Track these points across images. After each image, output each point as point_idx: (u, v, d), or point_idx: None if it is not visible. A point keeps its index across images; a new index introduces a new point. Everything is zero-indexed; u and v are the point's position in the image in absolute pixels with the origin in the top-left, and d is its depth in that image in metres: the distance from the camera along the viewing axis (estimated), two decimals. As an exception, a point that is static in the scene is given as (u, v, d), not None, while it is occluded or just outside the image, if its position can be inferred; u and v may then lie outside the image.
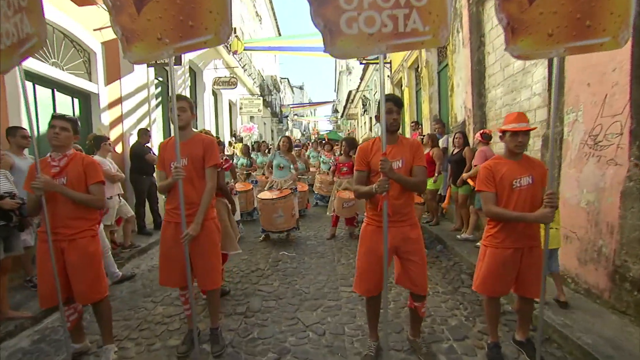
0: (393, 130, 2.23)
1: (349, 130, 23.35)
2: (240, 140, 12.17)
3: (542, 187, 2.16)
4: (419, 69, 7.82)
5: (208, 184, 2.32)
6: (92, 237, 2.25)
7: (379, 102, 2.06)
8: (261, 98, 14.14)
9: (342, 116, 28.21)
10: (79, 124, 2.34)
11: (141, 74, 6.22)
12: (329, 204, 5.59)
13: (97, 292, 2.25)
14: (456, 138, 4.97)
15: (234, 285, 3.72)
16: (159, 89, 7.53)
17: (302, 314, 3.07)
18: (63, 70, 4.46)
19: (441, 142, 6.07)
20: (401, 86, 10.25)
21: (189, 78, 9.13)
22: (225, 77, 10.49)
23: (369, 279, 2.24)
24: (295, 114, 35.43)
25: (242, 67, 13.38)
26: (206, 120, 10.01)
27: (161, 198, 5.95)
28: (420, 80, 7.83)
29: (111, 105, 5.30)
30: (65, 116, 2.25)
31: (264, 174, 7.22)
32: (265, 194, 5.15)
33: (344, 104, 26.47)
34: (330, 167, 5.59)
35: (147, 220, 5.86)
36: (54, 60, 4.32)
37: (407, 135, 9.13)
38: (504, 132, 2.21)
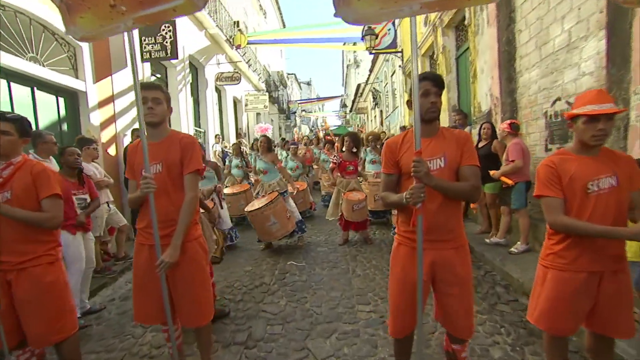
0: (431, 119, 1.68)
1: (358, 125, 22.74)
2: (255, 139, 11.76)
3: (634, 190, 1.61)
4: (435, 56, 7.21)
5: (188, 195, 1.83)
6: (49, 264, 1.80)
7: (411, 85, 1.54)
8: (267, 94, 13.67)
9: (351, 110, 27.58)
10: (27, 123, 1.88)
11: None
12: (330, 207, 5.07)
13: (58, 331, 1.79)
14: (483, 129, 4.39)
15: (235, 304, 3.26)
16: (157, 86, 7.11)
17: (313, 342, 2.59)
18: (43, 66, 4.04)
19: (463, 135, 5.49)
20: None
21: (190, 74, 8.71)
22: (229, 72, 10.03)
23: (404, 316, 1.73)
24: (303, 110, 34.94)
25: (247, 62, 12.92)
26: (209, 118, 9.60)
27: None
28: (437, 68, 7.22)
29: (102, 104, 4.89)
30: (6, 115, 1.79)
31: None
32: (252, 204, 4.66)
33: (352, 98, 25.82)
34: (330, 166, 5.03)
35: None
36: (31, 54, 3.91)
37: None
38: (573, 117, 1.67)
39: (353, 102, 25.08)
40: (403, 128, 9.06)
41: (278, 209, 4.51)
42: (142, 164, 1.75)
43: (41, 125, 4.06)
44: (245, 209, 4.63)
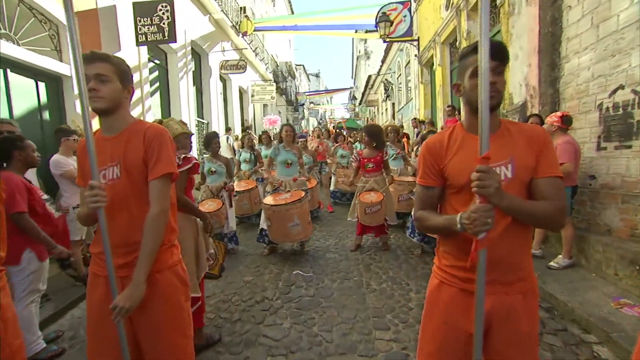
0: (491, 107, 1.14)
1: (368, 119, 22.06)
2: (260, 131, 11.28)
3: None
4: (457, 43, 6.57)
5: (153, 209, 1.32)
6: None
7: (479, 59, 0.99)
8: (274, 84, 13.11)
9: (360, 103, 26.85)
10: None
11: (130, 54, 5.31)
12: (351, 207, 4.55)
13: None
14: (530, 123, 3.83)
15: (231, 325, 2.79)
16: (156, 72, 6.63)
17: (322, 382, 2.12)
18: (19, 45, 3.58)
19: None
20: (432, 66, 8.98)
21: (192, 61, 8.20)
22: (234, 60, 9.51)
23: None
24: (312, 102, 34.28)
25: (254, 51, 12.37)
26: (213, 109, 9.12)
27: None
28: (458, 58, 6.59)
29: (90, 90, 4.41)
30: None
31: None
32: (273, 199, 4.17)
33: (362, 90, 25.09)
34: (349, 161, 4.51)
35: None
36: (4, 31, 3.43)
37: (439, 123, 7.94)
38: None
39: (363, 94, 24.36)
40: (416, 121, 8.43)
41: (303, 210, 4.08)
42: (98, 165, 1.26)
43: (17, 113, 3.61)
44: (264, 202, 4.15)
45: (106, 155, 1.32)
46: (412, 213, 4.37)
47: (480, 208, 1.02)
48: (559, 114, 3.31)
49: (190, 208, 2.33)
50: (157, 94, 6.68)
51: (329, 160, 8.14)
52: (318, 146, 6.22)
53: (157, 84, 6.67)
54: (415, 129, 8.14)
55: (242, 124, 11.81)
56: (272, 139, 6.52)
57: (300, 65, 36.19)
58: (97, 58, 1.32)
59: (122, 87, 1.38)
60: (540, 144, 1.17)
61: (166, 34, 5.12)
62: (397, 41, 10.22)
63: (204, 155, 4.61)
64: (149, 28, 5.12)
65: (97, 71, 1.29)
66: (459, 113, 6.90)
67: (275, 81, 16.14)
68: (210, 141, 4.43)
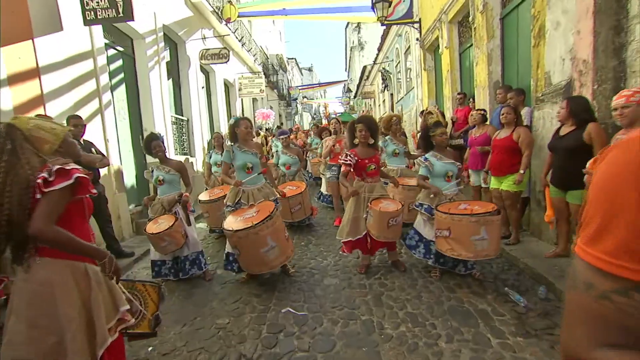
0: None
1: (364, 110, 21.11)
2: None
3: None
4: (471, 19, 5.65)
5: None
6: None
7: None
8: (263, 76, 12.12)
9: (355, 96, 25.87)
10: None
11: (78, 36, 4.33)
12: (343, 224, 3.50)
13: None
14: (577, 106, 2.94)
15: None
16: (119, 61, 5.65)
17: None
18: None
19: (522, 118, 4.02)
20: (437, 49, 8.06)
21: (166, 50, 7.21)
22: (215, 49, 8.51)
23: None
24: (305, 97, 33.23)
25: (239, 40, 11.35)
26: (193, 104, 8.14)
27: (121, 209, 4.20)
28: (473, 34, 5.68)
29: (17, 79, 3.46)
30: None
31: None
32: (235, 221, 3.20)
33: (357, 82, 24.11)
34: (342, 169, 3.44)
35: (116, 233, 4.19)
36: None
37: (448, 113, 7.04)
38: None
39: (358, 86, 23.39)
40: (422, 114, 7.50)
41: (277, 227, 3.14)
42: None
43: None
44: (226, 226, 3.16)
45: None
46: (416, 225, 3.49)
47: None
48: (636, 88, 2.41)
49: (73, 247, 1.46)
50: (122, 87, 5.70)
51: (309, 154, 7.24)
52: (335, 145, 5.00)
53: (122, 75, 5.69)
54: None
55: (229, 121, 10.83)
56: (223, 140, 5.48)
57: (292, 58, 35.04)
58: None
59: None
60: None
61: (120, 10, 4.15)
62: (397, 24, 9.28)
63: (152, 165, 3.67)
64: (98, 2, 4.14)
65: None
66: (473, 100, 6.01)
67: (265, 74, 15.12)
68: (149, 145, 3.49)
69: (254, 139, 3.69)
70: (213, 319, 2.88)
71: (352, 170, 3.43)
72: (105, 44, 5.02)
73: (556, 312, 2.67)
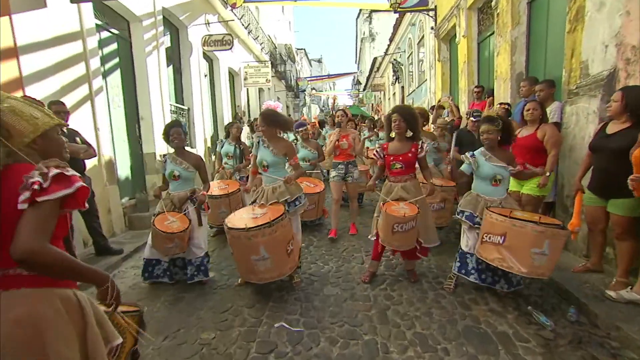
0: None
1: (372, 104, 20.57)
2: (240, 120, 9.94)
3: None
4: (494, 3, 5.17)
5: None
6: None
7: None
8: (270, 65, 11.71)
9: (364, 89, 25.29)
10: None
11: (66, 15, 4.01)
12: (373, 222, 3.23)
13: None
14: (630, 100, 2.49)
15: None
16: (114, 45, 5.32)
17: None
18: None
19: (551, 114, 3.59)
20: (453, 38, 7.56)
21: (166, 34, 6.86)
22: (218, 34, 8.13)
23: None
24: (313, 88, 32.69)
25: (246, 27, 10.94)
26: (195, 93, 7.81)
27: (110, 204, 3.91)
28: (495, 21, 5.20)
29: (-9, 59, 3.15)
30: None
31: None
32: (236, 218, 2.89)
33: (367, 74, 23.52)
34: (373, 153, 3.21)
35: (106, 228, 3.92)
36: None
37: (463, 107, 6.58)
38: None
39: (368, 78, 22.82)
40: (435, 107, 7.04)
41: (277, 237, 2.75)
42: None
43: None
44: (226, 221, 2.86)
45: None
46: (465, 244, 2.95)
47: None
48: None
49: (74, 272, 1.16)
50: (117, 72, 5.38)
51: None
52: (341, 140, 4.51)
53: (116, 60, 5.36)
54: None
55: (233, 111, 10.48)
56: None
57: (302, 49, 34.43)
58: None
59: None
60: None
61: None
62: (411, 11, 8.77)
63: (166, 154, 3.35)
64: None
65: None
66: (490, 95, 5.55)
67: (272, 64, 14.71)
68: (169, 132, 3.20)
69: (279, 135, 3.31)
70: (198, 331, 2.57)
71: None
72: (97, 25, 4.69)
73: (591, 341, 2.30)
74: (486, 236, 2.66)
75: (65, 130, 3.42)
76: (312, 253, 4.00)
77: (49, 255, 1.05)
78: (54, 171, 1.12)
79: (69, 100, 3.79)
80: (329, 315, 2.70)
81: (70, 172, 1.19)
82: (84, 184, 1.21)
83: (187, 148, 3.38)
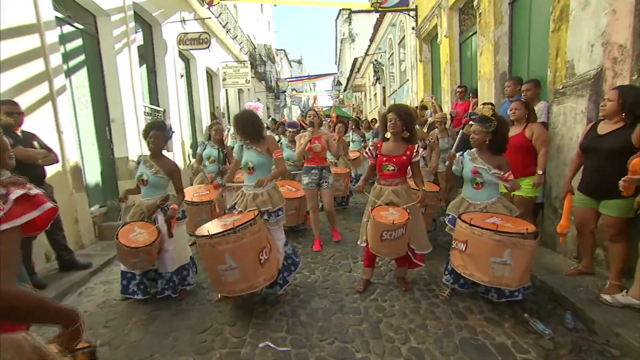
0: None
1: (353, 105, 20.57)
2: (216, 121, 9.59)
3: None
4: (476, 3, 5.14)
5: None
6: None
7: None
8: (249, 65, 11.41)
9: (345, 89, 25.28)
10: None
11: (18, 6, 3.63)
12: (362, 227, 3.05)
13: None
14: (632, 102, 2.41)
15: None
16: (78, 41, 4.93)
17: None
18: None
19: (538, 114, 3.55)
20: (434, 38, 7.55)
21: (138, 31, 6.48)
22: (195, 33, 7.79)
23: None
24: (294, 89, 32.42)
25: (224, 26, 10.61)
26: (171, 94, 7.44)
27: (70, 216, 3.52)
28: (477, 21, 5.17)
29: None
30: None
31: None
32: (207, 226, 2.67)
33: (347, 75, 23.50)
34: (365, 151, 3.06)
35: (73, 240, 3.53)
36: None
37: (446, 107, 6.57)
38: None
39: (348, 79, 22.80)
40: (418, 107, 6.99)
41: (245, 244, 2.52)
42: None
43: None
44: (197, 230, 2.68)
45: None
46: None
47: None
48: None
49: (44, 313, 1.00)
50: (83, 71, 4.99)
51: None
52: (313, 142, 4.24)
53: (82, 57, 4.97)
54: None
55: (211, 113, 10.11)
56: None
57: (282, 50, 34.11)
58: None
59: None
60: None
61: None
62: (391, 11, 8.72)
63: (141, 156, 3.07)
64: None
65: None
66: (475, 96, 5.53)
67: (252, 64, 14.37)
68: (148, 132, 2.93)
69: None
70: (174, 356, 2.32)
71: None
72: (58, 18, 4.31)
73: (590, 349, 2.21)
74: (454, 242, 2.62)
75: (19, 134, 3.09)
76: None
77: (16, 296, 0.87)
78: (16, 192, 0.95)
79: (24, 100, 3.42)
80: (318, 332, 2.51)
81: (34, 190, 1.02)
82: (54, 205, 1.04)
83: (165, 152, 3.11)
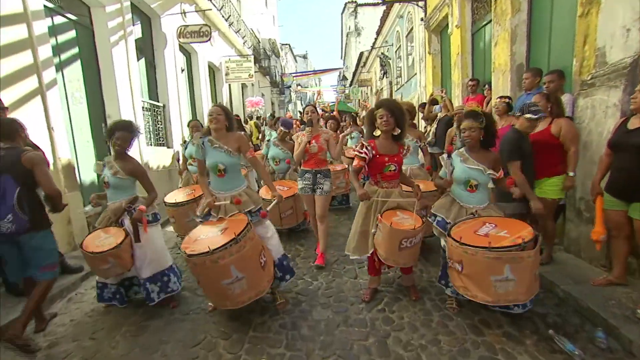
0: None
1: (360, 99, 20.21)
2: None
3: None
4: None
5: None
6: None
7: None
8: (252, 59, 11.15)
9: (351, 84, 24.89)
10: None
11: (5, -5, 3.41)
12: (351, 236, 2.78)
13: None
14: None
15: None
16: (71, 33, 4.72)
17: None
18: None
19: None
20: (444, 29, 7.21)
21: (136, 24, 6.26)
22: (195, 25, 7.54)
23: None
24: (299, 84, 32.08)
25: (226, 20, 10.35)
26: (171, 88, 7.22)
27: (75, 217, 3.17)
28: (492, 9, 4.84)
29: None
30: None
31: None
32: (194, 241, 2.39)
33: (353, 70, 23.11)
34: (354, 164, 2.66)
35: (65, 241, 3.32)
36: None
37: (457, 101, 6.25)
38: None
39: (354, 73, 22.41)
40: (427, 104, 6.66)
41: (247, 252, 2.30)
42: None
43: None
44: (182, 248, 2.34)
45: None
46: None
47: None
48: None
49: None
50: (77, 64, 4.78)
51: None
52: (310, 142, 3.92)
53: (75, 50, 4.76)
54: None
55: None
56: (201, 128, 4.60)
57: (286, 44, 33.73)
58: None
59: None
60: None
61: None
62: (400, 1, 8.37)
63: (105, 158, 2.86)
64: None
65: None
66: (490, 88, 5.21)
67: (256, 59, 14.11)
68: (112, 133, 2.70)
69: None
70: (161, 375, 2.11)
71: (366, 167, 2.65)
72: (48, 7, 4.10)
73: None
74: (450, 261, 2.36)
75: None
76: (299, 266, 3.56)
77: None
78: None
79: (8, 96, 3.22)
80: (320, 347, 2.28)
81: None
82: None
83: (161, 148, 2.89)
